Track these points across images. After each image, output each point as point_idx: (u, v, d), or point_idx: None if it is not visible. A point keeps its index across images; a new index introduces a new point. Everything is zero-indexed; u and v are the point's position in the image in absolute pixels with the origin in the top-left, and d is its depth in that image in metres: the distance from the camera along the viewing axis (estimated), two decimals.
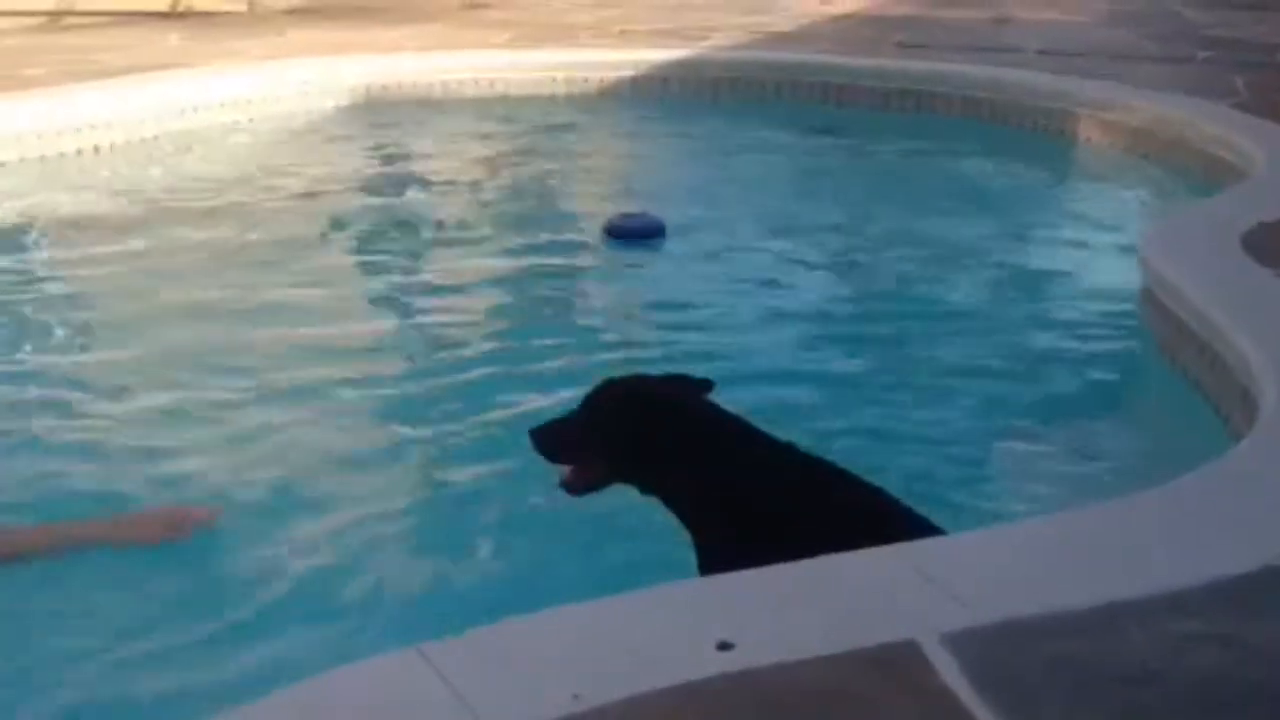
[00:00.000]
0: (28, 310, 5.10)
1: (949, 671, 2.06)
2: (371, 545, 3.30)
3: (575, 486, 2.93)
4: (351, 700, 2.02)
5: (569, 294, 5.42)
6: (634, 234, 5.88)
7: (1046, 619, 2.22)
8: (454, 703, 1.96)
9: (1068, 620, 2.22)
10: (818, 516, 2.72)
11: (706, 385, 2.98)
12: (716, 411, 2.91)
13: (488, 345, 4.67)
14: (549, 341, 4.64)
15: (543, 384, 4.13)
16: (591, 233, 6.03)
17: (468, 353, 4.59)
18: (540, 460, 2.98)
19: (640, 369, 3.34)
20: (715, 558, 2.70)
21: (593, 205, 6.63)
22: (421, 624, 2.85)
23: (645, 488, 2.90)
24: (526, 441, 2.97)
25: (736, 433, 2.88)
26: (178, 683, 2.73)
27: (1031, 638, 2.18)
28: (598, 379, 3.05)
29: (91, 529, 3.26)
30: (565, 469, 2.94)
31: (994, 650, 2.13)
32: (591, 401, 2.94)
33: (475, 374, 4.38)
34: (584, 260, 5.85)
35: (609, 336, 4.79)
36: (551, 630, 2.19)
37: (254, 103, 8.09)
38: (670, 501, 2.86)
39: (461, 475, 3.69)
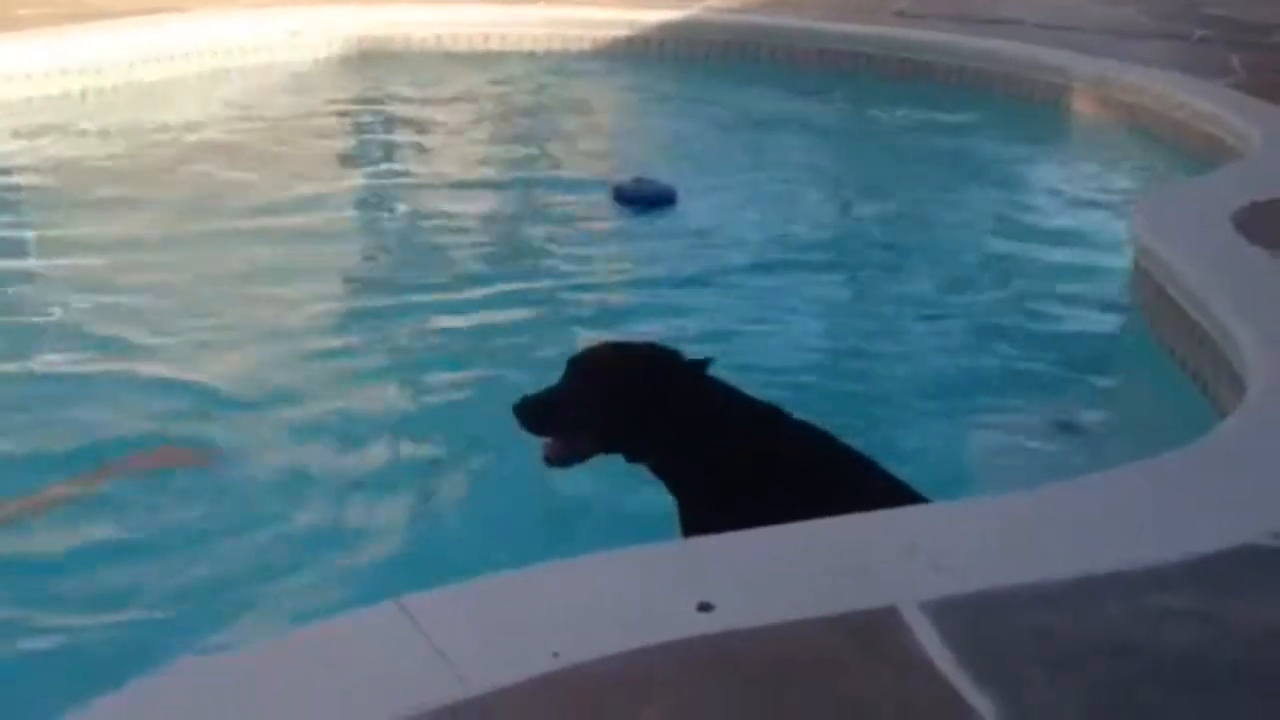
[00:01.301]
0: (13, 249, 5.07)
1: (929, 640, 2.07)
2: (356, 499, 3.30)
3: (559, 459, 2.91)
4: (332, 652, 2.02)
5: (576, 257, 5.32)
6: (644, 200, 5.77)
7: (1027, 590, 2.23)
8: (433, 657, 1.96)
9: (1048, 592, 2.23)
10: (802, 482, 2.72)
11: (675, 353, 2.96)
12: (701, 377, 2.89)
13: (489, 306, 4.63)
14: (553, 303, 4.63)
15: (547, 345, 4.09)
16: (599, 196, 5.96)
17: (467, 312, 4.56)
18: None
19: (638, 335, 3.33)
20: (699, 523, 2.69)
21: (593, 166, 6.57)
22: (402, 578, 2.86)
23: (631, 455, 2.89)
24: (517, 401, 2.94)
25: (722, 398, 2.87)
26: (160, 632, 2.74)
27: (1012, 608, 2.18)
28: (580, 346, 3.03)
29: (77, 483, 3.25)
30: (549, 441, 2.91)
31: (974, 620, 2.14)
32: (575, 371, 2.91)
33: (476, 333, 4.37)
34: (592, 224, 5.76)
35: (614, 300, 4.77)
36: (533, 587, 2.19)
37: (246, 51, 8.01)
38: (656, 468, 2.85)
39: (450, 434, 3.68)
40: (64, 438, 3.54)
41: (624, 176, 6.02)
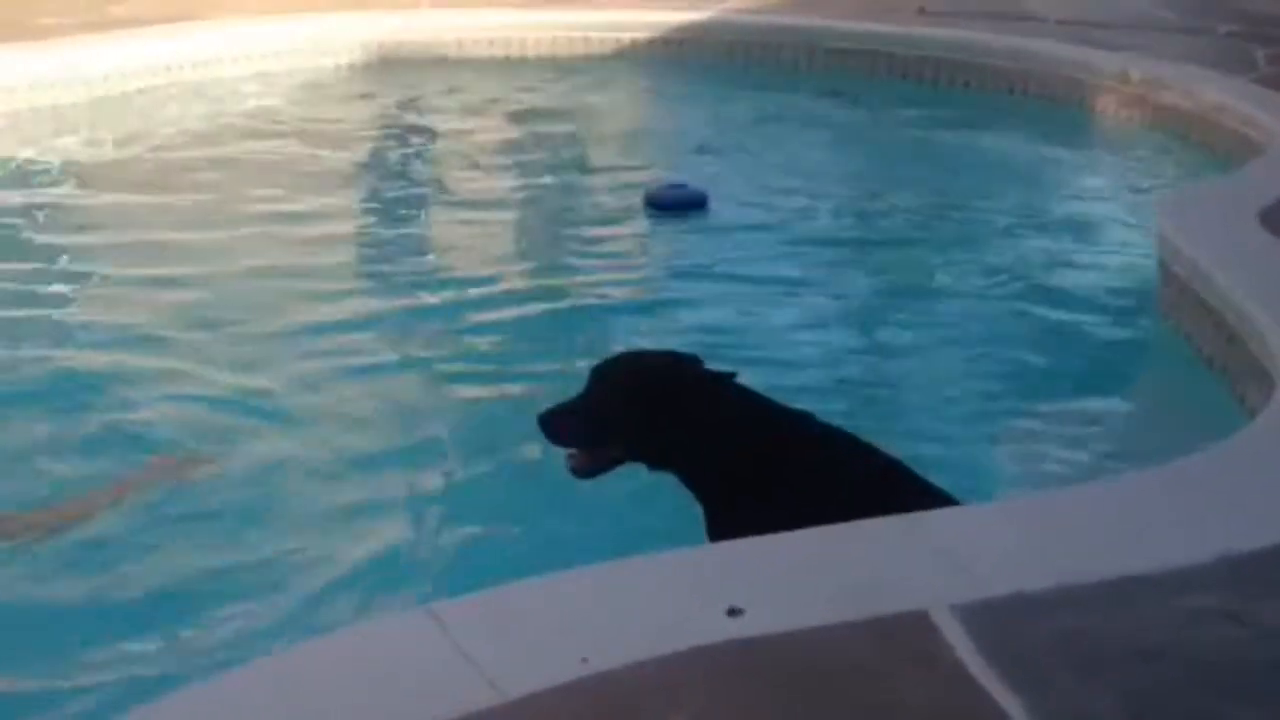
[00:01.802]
0: (29, 255, 5.10)
1: (959, 643, 2.06)
2: (383, 507, 3.30)
3: (584, 470, 2.91)
4: (361, 658, 2.03)
5: (608, 262, 5.27)
6: (676, 204, 5.71)
7: (1057, 593, 2.22)
8: (463, 663, 1.97)
9: (1078, 594, 2.22)
10: (829, 487, 2.71)
11: (696, 360, 2.96)
12: (723, 384, 2.88)
13: (520, 313, 4.61)
14: (586, 309, 4.63)
15: (581, 352, 4.05)
16: (630, 201, 5.93)
17: (497, 319, 4.55)
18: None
19: (672, 339, 3.31)
20: (726, 529, 2.69)
21: (621, 170, 6.55)
22: (432, 585, 2.87)
23: (655, 464, 2.89)
24: (541, 413, 2.93)
25: (745, 405, 2.86)
26: (193, 636, 2.75)
27: (1042, 611, 2.18)
28: (613, 352, 3.03)
29: (93, 500, 3.26)
30: (573, 453, 2.90)
31: (1004, 623, 2.14)
32: (596, 381, 2.91)
33: (506, 340, 4.36)
34: (624, 229, 5.72)
35: (647, 305, 4.75)
36: (562, 593, 2.20)
37: (267, 58, 8.03)
38: (683, 475, 2.85)
39: (479, 439, 3.67)
40: (81, 447, 3.54)
41: (654, 181, 6.00)
